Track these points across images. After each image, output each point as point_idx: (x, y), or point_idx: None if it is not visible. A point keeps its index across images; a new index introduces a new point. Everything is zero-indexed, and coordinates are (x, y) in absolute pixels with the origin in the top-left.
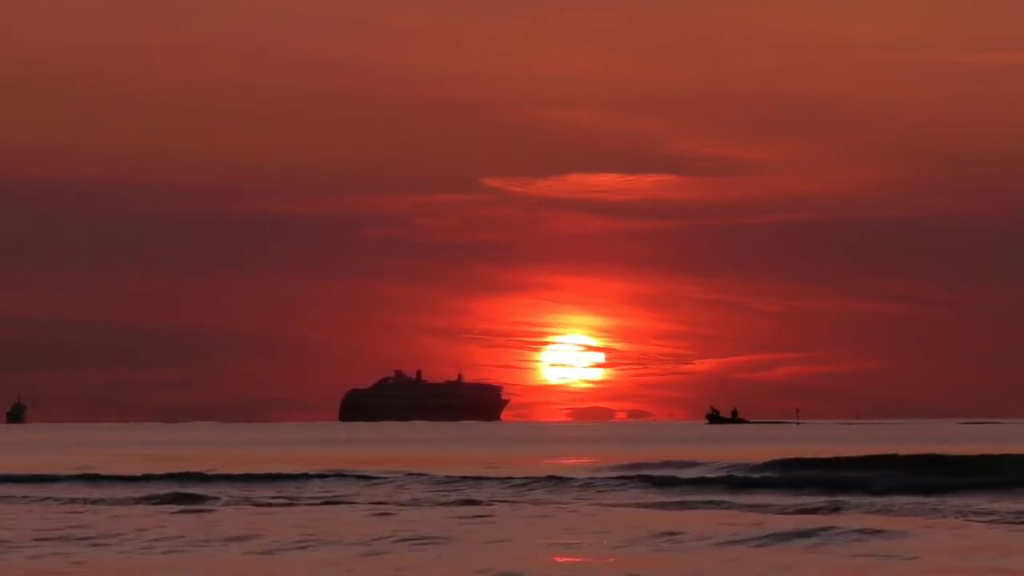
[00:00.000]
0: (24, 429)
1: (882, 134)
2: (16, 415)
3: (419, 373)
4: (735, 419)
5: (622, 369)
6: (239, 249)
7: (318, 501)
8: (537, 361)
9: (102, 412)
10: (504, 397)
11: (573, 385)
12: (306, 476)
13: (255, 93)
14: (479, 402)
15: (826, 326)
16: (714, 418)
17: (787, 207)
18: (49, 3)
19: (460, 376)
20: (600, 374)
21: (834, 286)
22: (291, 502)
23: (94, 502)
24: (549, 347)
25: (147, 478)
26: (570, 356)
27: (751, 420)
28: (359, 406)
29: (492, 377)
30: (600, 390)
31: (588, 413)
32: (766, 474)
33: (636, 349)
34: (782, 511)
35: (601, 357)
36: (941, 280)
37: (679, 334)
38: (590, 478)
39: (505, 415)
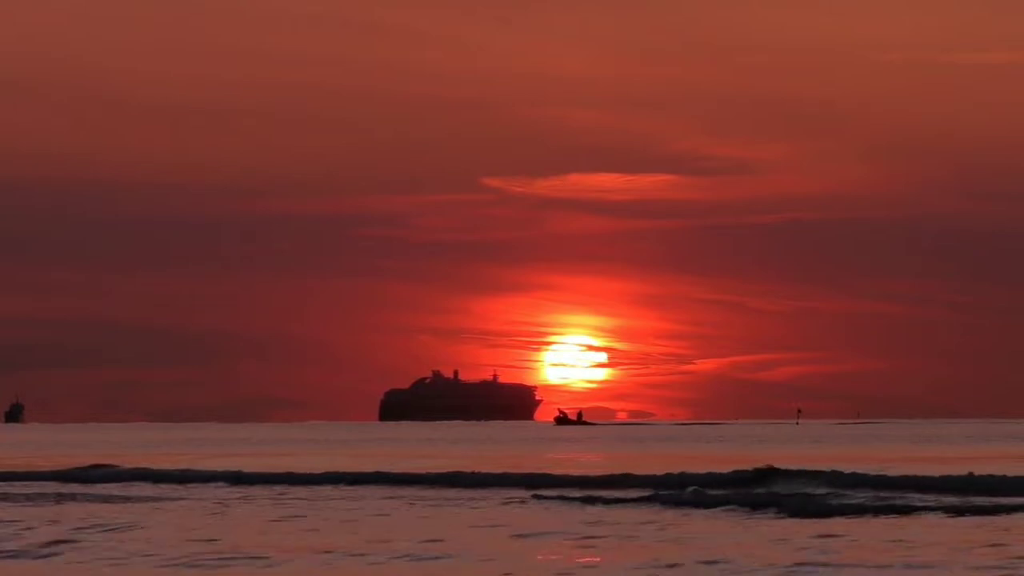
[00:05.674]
0: (29, 429)
1: (882, 134)
2: (14, 415)
3: (456, 373)
4: (580, 421)
5: (624, 369)
6: (239, 249)
7: None
8: (538, 361)
9: (101, 412)
10: (537, 397)
11: (574, 385)
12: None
13: (255, 93)
14: (514, 402)
15: (826, 326)
16: (561, 420)
17: (787, 207)
18: (47, 3)
19: (495, 376)
20: (602, 374)
21: (834, 286)
22: None
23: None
24: (551, 347)
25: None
26: (571, 356)
27: (595, 423)
28: (398, 406)
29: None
30: (601, 390)
31: (589, 413)
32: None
33: (638, 349)
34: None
35: (603, 357)
36: (941, 280)
37: (680, 334)
38: None
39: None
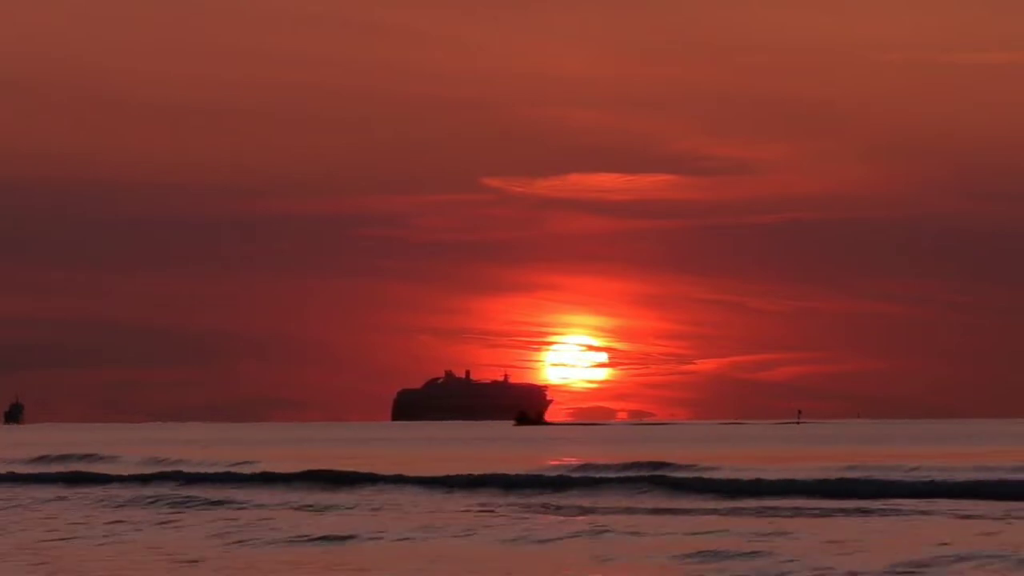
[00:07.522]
0: (31, 429)
1: (882, 134)
2: (14, 415)
3: (468, 373)
4: (540, 421)
5: (624, 369)
6: (239, 249)
7: None
8: (539, 361)
9: (101, 412)
10: (548, 397)
11: (574, 385)
12: None
13: (255, 93)
14: (525, 402)
15: (827, 326)
16: (521, 420)
17: (787, 207)
18: (47, 3)
19: (506, 376)
20: (602, 374)
21: (834, 286)
22: None
23: None
24: (552, 347)
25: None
26: (572, 356)
27: (555, 423)
28: (410, 406)
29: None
30: (602, 390)
31: (590, 413)
32: None
33: (638, 349)
34: None
35: (603, 357)
36: (941, 280)
37: (681, 334)
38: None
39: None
